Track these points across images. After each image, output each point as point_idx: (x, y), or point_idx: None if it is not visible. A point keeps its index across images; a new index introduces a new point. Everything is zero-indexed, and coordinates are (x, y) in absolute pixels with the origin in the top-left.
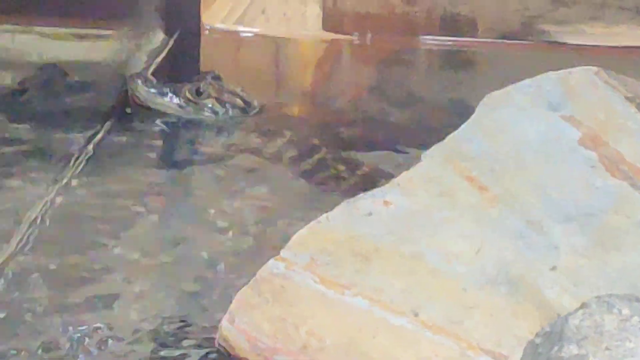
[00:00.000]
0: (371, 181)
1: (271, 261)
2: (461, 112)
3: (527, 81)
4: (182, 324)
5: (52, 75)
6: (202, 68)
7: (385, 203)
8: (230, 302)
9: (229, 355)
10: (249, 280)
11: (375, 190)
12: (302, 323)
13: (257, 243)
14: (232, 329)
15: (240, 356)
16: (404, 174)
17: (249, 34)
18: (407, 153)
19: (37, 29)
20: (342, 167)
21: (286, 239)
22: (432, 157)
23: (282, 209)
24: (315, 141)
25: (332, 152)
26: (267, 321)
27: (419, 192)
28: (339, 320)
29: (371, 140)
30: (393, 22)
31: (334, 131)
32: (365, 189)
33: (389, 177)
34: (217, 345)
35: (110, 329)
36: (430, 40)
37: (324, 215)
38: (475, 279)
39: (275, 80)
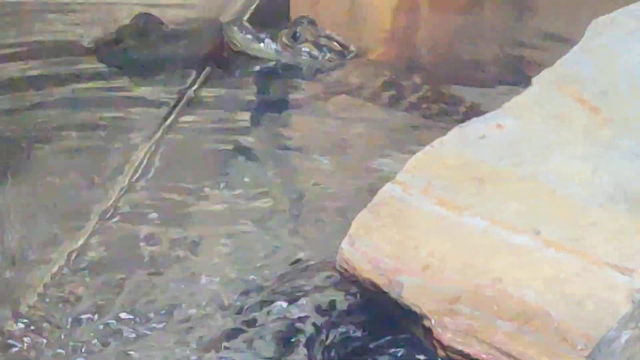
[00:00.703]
0: (474, 115)
1: (388, 185)
2: (557, 45)
3: (633, 5)
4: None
5: (147, 24)
6: (293, 15)
7: (498, 126)
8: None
9: (351, 275)
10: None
11: (488, 114)
12: (422, 244)
13: (365, 174)
14: (352, 251)
15: (363, 276)
16: (515, 98)
17: None
18: (503, 88)
19: None
20: (443, 104)
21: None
22: (543, 81)
23: (388, 142)
24: (416, 79)
25: (432, 89)
26: (388, 243)
27: (531, 115)
28: (459, 240)
29: (468, 78)
30: None
31: (431, 70)
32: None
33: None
34: (337, 267)
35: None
36: None
37: (438, 139)
38: (593, 197)
39: (366, 24)
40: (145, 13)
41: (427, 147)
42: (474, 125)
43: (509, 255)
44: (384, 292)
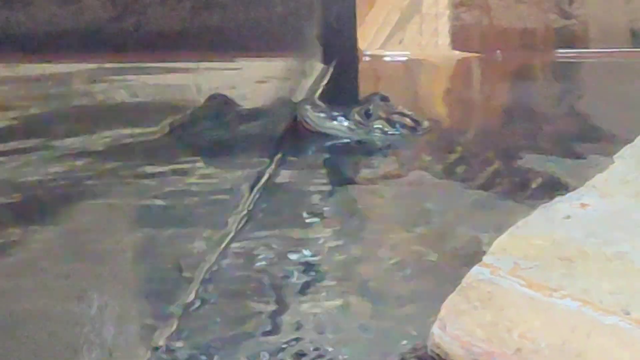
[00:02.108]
0: (548, 189)
1: (476, 268)
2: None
3: None
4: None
5: (221, 105)
6: (361, 92)
7: (583, 205)
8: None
9: None
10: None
11: (571, 194)
12: (514, 326)
13: (450, 254)
14: (444, 335)
15: None
16: (599, 176)
17: (391, 59)
18: (576, 159)
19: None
20: (517, 178)
21: (479, 250)
22: (626, 159)
23: (467, 220)
24: (489, 155)
25: (505, 164)
26: (479, 326)
27: (615, 193)
28: (550, 322)
29: (539, 150)
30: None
31: (502, 144)
32: (543, 198)
33: (565, 184)
34: (429, 352)
35: None
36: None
37: (522, 220)
38: None
39: (435, 97)
40: (219, 94)
41: (512, 228)
42: (558, 205)
43: (601, 336)
44: None
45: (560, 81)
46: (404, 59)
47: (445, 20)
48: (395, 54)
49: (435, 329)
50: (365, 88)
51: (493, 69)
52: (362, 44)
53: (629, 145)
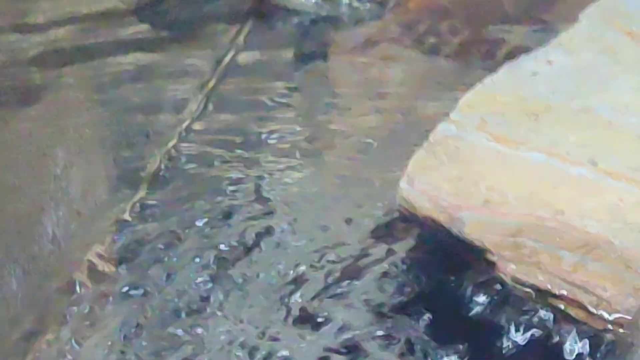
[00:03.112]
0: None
1: (442, 124)
2: None
3: None
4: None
5: None
6: None
7: (549, 62)
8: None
9: (411, 214)
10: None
11: (537, 51)
12: (481, 179)
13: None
14: (411, 190)
15: (423, 214)
16: (564, 33)
17: None
18: (542, 27)
19: None
20: (486, 46)
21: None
22: (591, 17)
23: (431, 86)
24: (457, 24)
25: (474, 33)
26: (446, 180)
27: (581, 50)
28: (518, 174)
29: (506, 19)
30: None
31: (471, 13)
32: None
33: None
34: (397, 206)
35: None
36: None
37: (489, 77)
38: None
39: None
40: None
41: (478, 86)
42: (525, 63)
43: (568, 186)
44: (445, 229)
45: None
46: None
47: None
48: None
49: (402, 184)
50: None
51: None
52: None
53: (594, 3)
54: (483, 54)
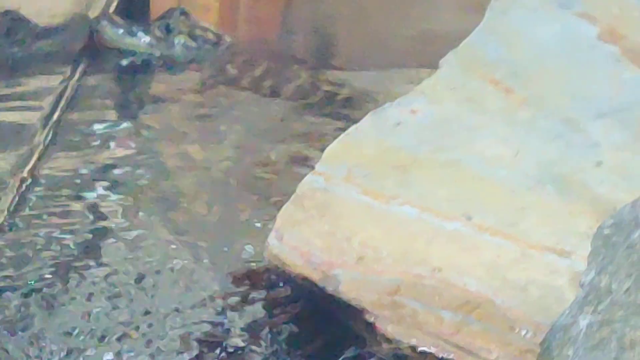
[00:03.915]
0: (357, 100)
1: (309, 176)
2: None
3: None
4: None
5: (14, 22)
6: (155, 6)
7: (412, 112)
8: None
9: (282, 271)
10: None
11: (400, 99)
12: (354, 235)
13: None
14: (281, 246)
15: (295, 272)
16: (426, 81)
17: None
18: (377, 71)
19: None
20: (326, 89)
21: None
22: (451, 64)
23: (275, 134)
24: (295, 67)
25: (312, 76)
26: (317, 236)
27: (444, 99)
28: (391, 229)
29: (349, 62)
30: None
31: (310, 56)
32: (353, 108)
33: (377, 93)
34: (266, 263)
35: None
36: None
37: (353, 127)
38: (520, 180)
39: (238, 12)
40: (10, 10)
41: (342, 136)
42: (388, 112)
43: (444, 242)
44: (320, 287)
45: None
46: None
47: None
48: None
49: (271, 240)
50: (159, 2)
51: None
52: None
53: (452, 50)
54: (322, 98)
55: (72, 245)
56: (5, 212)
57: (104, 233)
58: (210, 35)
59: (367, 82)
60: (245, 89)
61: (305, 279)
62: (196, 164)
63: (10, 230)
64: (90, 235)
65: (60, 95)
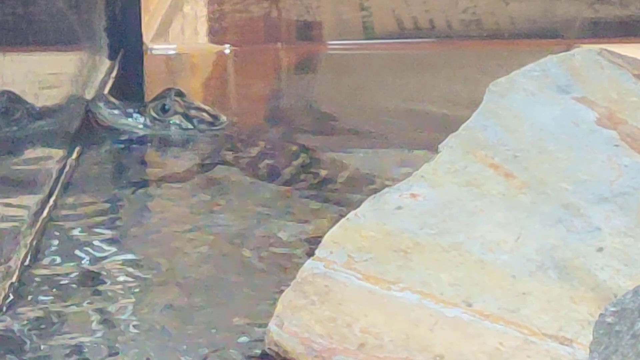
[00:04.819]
0: (359, 182)
1: (309, 262)
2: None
3: (530, 66)
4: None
5: (9, 102)
6: (149, 87)
7: (413, 196)
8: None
9: (283, 359)
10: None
11: (400, 184)
12: (355, 321)
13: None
14: (282, 332)
15: (295, 359)
16: (426, 165)
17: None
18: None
19: None
20: (324, 171)
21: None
22: (452, 148)
23: (273, 219)
24: (293, 148)
25: (311, 157)
26: (318, 322)
27: (445, 183)
28: (392, 315)
29: (349, 143)
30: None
31: (309, 136)
32: (354, 192)
33: (373, 176)
34: (267, 350)
35: None
36: None
37: (352, 212)
38: (521, 266)
39: (232, 92)
40: (6, 90)
41: (342, 220)
42: (388, 196)
43: (446, 329)
44: None
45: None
46: (172, 52)
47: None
48: (163, 48)
49: (272, 327)
50: (155, 83)
51: (269, 62)
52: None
53: (453, 134)
54: (320, 180)
55: None
56: None
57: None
58: (206, 116)
59: (363, 163)
60: (242, 170)
61: None
62: (193, 246)
63: None
64: None
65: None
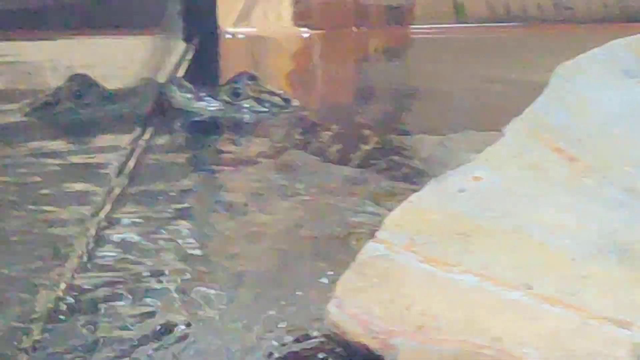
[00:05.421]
0: (433, 166)
1: (370, 243)
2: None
3: (596, 50)
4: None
5: (83, 86)
6: (224, 71)
7: (476, 179)
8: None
9: (341, 340)
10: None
11: (463, 167)
12: (414, 303)
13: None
14: (341, 314)
15: (354, 340)
16: (490, 148)
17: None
18: (456, 136)
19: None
20: (394, 156)
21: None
22: (515, 131)
23: (342, 202)
24: (365, 132)
25: (382, 141)
26: (377, 304)
27: (508, 166)
28: (451, 298)
29: (420, 127)
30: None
31: (380, 121)
32: (423, 175)
33: (447, 160)
34: (326, 331)
35: None
36: None
37: (414, 194)
38: (582, 249)
39: (307, 76)
40: (81, 74)
41: (404, 203)
42: (450, 179)
43: (504, 312)
44: (378, 356)
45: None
46: (253, 36)
47: None
48: (242, 31)
49: (331, 307)
50: (229, 66)
51: (350, 46)
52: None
53: (517, 117)
54: (391, 163)
55: None
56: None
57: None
58: (278, 100)
59: (437, 147)
60: (314, 153)
61: (365, 348)
62: (263, 229)
63: None
64: None
65: (130, 155)
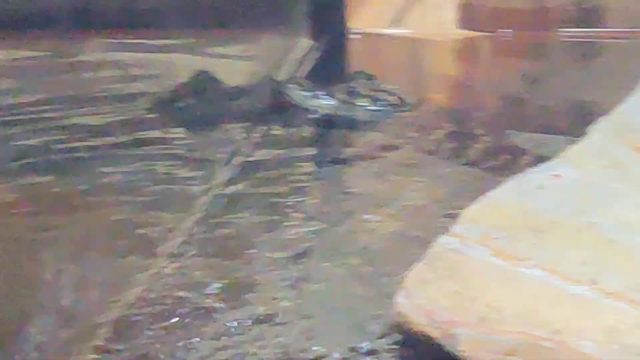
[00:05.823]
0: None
1: (444, 237)
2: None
3: None
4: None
5: (205, 82)
6: (349, 69)
7: (556, 176)
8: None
9: (406, 329)
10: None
11: (545, 165)
12: (479, 295)
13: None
14: (408, 304)
15: (418, 330)
16: (573, 147)
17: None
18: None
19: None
20: (507, 156)
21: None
22: (600, 131)
23: (449, 198)
24: (478, 130)
25: (495, 140)
26: (444, 295)
27: (589, 164)
28: (516, 291)
29: (532, 127)
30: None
31: (493, 120)
32: None
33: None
34: (392, 319)
35: None
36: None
37: (493, 190)
38: None
39: (424, 74)
40: (203, 71)
41: (482, 198)
42: (531, 176)
43: (567, 305)
44: (439, 345)
45: (566, 61)
46: (407, 36)
47: None
48: (397, 32)
49: (399, 298)
50: (356, 66)
51: (496, 48)
52: (367, 23)
53: (603, 117)
54: (504, 163)
55: None
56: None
57: None
58: (393, 99)
59: (549, 146)
60: (427, 151)
61: (427, 337)
62: (373, 225)
63: None
64: None
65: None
